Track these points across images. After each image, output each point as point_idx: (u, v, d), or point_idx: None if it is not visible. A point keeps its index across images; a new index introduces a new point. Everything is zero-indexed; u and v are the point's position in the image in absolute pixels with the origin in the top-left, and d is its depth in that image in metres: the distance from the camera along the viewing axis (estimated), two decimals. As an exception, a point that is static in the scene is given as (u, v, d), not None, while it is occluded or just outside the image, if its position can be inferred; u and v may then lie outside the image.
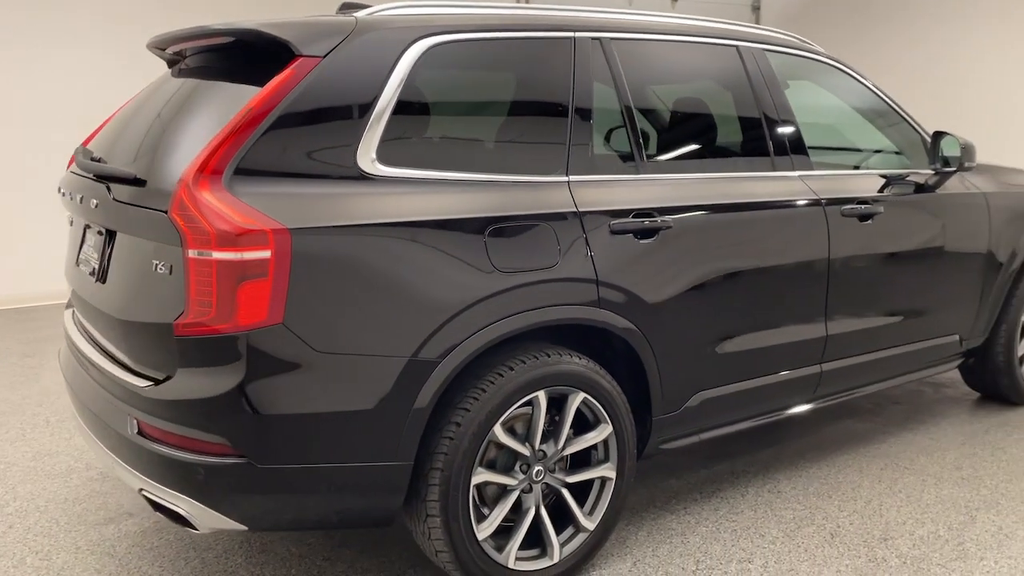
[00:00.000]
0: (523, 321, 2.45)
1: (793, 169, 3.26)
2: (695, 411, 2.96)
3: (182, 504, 2.24)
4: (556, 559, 2.64)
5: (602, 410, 2.67)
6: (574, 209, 2.57)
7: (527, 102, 2.75)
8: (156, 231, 2.21)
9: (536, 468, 2.59)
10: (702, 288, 2.86)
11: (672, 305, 2.79)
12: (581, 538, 2.70)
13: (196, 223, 2.11)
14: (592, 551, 2.75)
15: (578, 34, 2.80)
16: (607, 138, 2.94)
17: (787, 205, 3.17)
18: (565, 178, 2.62)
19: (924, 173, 3.77)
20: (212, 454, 2.19)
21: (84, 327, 2.78)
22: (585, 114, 2.70)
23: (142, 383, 2.28)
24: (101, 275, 2.54)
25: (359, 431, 2.25)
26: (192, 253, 2.11)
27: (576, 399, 2.62)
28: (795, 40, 3.58)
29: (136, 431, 2.29)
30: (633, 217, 2.70)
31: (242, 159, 2.14)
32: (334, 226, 2.17)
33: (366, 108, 2.31)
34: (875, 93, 3.78)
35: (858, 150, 4.01)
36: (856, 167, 3.87)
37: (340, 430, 2.23)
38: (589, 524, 2.70)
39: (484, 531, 2.49)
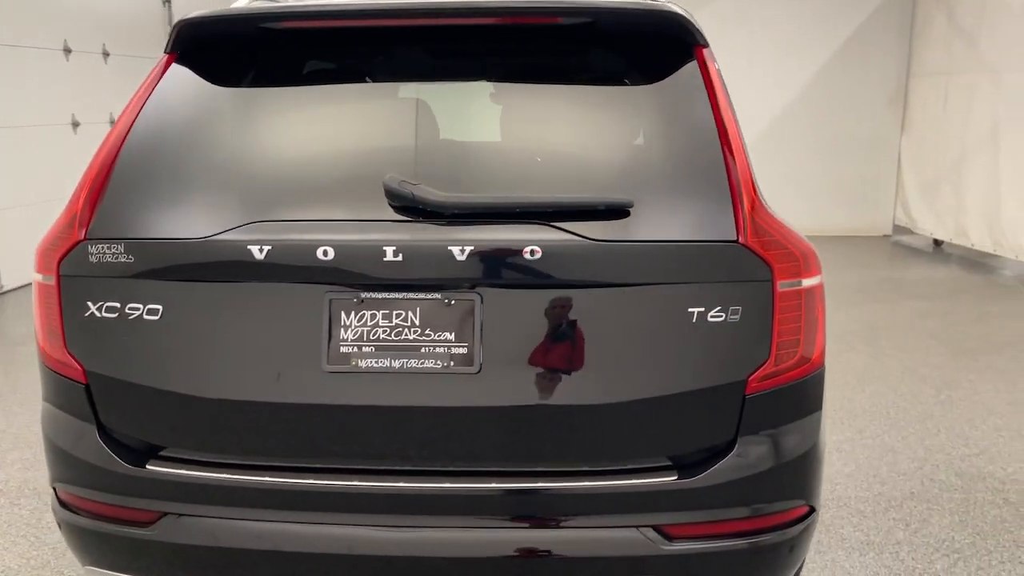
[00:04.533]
0: None
1: None
2: None
3: None
4: None
5: None
6: None
7: None
8: (705, 268, 1.84)
9: None
10: None
11: None
12: None
13: (783, 249, 1.87)
14: None
15: None
16: None
17: None
18: None
19: None
20: (788, 522, 1.97)
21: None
22: None
23: (658, 477, 1.90)
24: (467, 360, 1.86)
25: None
26: (781, 286, 1.87)
27: None
28: None
29: (660, 542, 1.88)
30: None
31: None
32: None
33: None
34: None
35: None
36: None
37: None
38: None
39: None
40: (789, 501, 1.94)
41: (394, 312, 1.86)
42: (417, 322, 1.86)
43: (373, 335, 1.86)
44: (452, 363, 1.85)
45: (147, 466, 1.98)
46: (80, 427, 2.03)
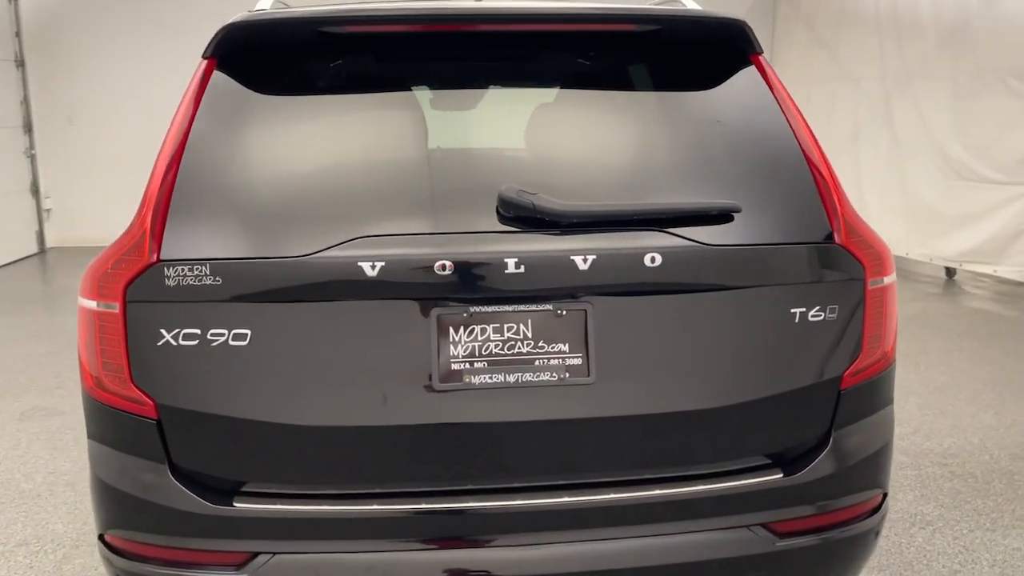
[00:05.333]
0: None
1: None
2: None
3: None
4: None
5: None
6: None
7: None
8: (806, 268, 1.91)
9: None
10: None
11: None
12: None
13: (871, 248, 1.96)
14: None
15: None
16: None
17: None
18: None
19: None
20: (867, 513, 2.03)
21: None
22: None
23: (765, 475, 1.93)
24: (583, 371, 1.84)
25: None
26: (872, 283, 1.95)
27: None
28: None
29: (770, 539, 1.91)
30: None
31: None
32: None
33: None
34: None
35: None
36: None
37: None
38: None
39: None
40: (873, 490, 2.04)
41: (505, 325, 1.82)
42: (530, 335, 1.82)
43: (485, 350, 1.81)
44: (567, 375, 1.82)
45: (235, 504, 1.84)
46: (147, 467, 1.86)
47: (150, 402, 1.82)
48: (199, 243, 1.79)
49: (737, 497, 1.90)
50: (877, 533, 2.06)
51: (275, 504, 1.84)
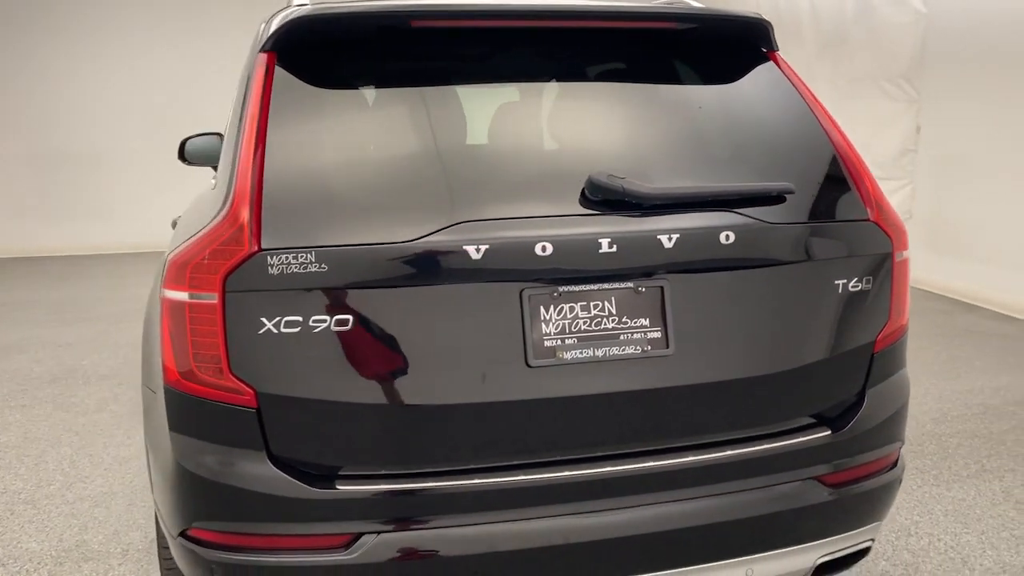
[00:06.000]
0: None
1: None
2: None
3: (867, 536, 2.24)
4: None
5: None
6: None
7: None
8: (847, 243, 2.11)
9: None
10: None
11: None
12: None
13: (895, 225, 2.17)
14: None
15: None
16: None
17: None
18: None
19: None
20: (893, 463, 2.27)
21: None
22: None
23: (816, 433, 2.11)
24: (663, 343, 1.97)
25: None
26: (897, 257, 2.16)
27: None
28: None
29: (822, 490, 2.11)
30: None
31: None
32: None
33: None
34: None
35: None
36: None
37: None
38: None
39: None
40: (896, 442, 2.28)
41: (591, 303, 1.94)
42: (614, 311, 1.95)
43: (574, 327, 1.92)
44: (649, 347, 1.96)
45: (338, 487, 1.87)
46: (245, 456, 1.86)
47: (249, 391, 1.83)
48: (300, 232, 1.82)
49: (794, 454, 2.09)
50: (900, 482, 2.30)
51: (378, 485, 1.88)
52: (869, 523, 2.24)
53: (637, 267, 1.94)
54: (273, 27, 2.06)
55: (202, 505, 1.92)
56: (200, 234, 1.86)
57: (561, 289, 1.92)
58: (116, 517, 3.48)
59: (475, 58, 2.21)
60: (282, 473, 1.86)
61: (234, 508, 1.89)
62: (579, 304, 1.93)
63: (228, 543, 1.90)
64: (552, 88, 2.27)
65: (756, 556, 2.08)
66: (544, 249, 1.87)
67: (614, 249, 1.90)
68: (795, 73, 2.32)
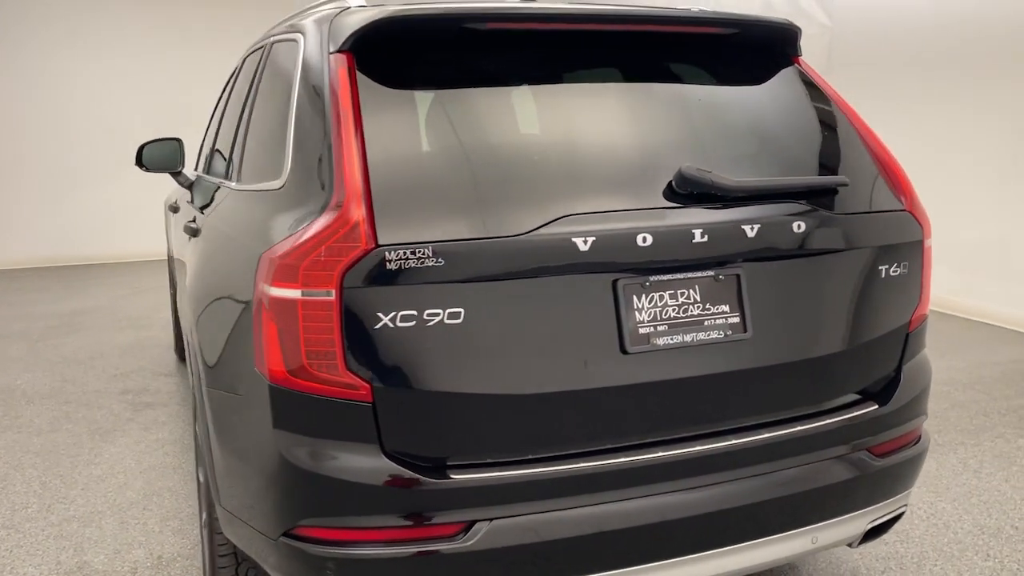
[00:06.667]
0: None
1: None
2: None
3: (903, 502, 2.44)
4: None
5: None
6: None
7: None
8: (888, 232, 2.30)
9: None
10: None
11: None
12: None
13: (924, 215, 2.39)
14: None
15: None
16: None
17: None
18: None
19: None
20: (920, 435, 2.48)
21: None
22: None
23: (867, 407, 2.30)
24: (741, 328, 2.10)
25: None
26: (927, 243, 2.37)
27: None
28: None
29: (872, 460, 2.30)
30: None
31: None
32: None
33: None
34: None
35: None
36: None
37: None
38: None
39: None
40: (923, 416, 2.49)
41: (678, 291, 2.05)
42: (698, 298, 2.06)
43: (664, 314, 2.03)
44: (730, 332, 2.08)
45: (451, 476, 1.91)
46: (360, 450, 1.88)
47: (365, 386, 1.85)
48: (412, 227, 1.85)
49: (851, 427, 2.25)
50: (927, 451, 2.51)
51: (489, 472, 1.93)
52: (905, 489, 2.43)
53: (720, 256, 2.07)
54: (350, 28, 2.08)
55: (313, 501, 1.92)
56: (306, 233, 1.86)
57: (651, 279, 2.02)
58: (111, 536, 3.34)
59: (547, 60, 2.28)
60: (397, 465, 1.88)
61: (347, 502, 1.90)
62: (667, 292, 2.04)
63: (341, 538, 1.91)
64: (623, 88, 2.36)
65: (820, 524, 2.23)
66: (644, 240, 1.97)
67: (705, 239, 2.02)
68: (820, 76, 2.51)
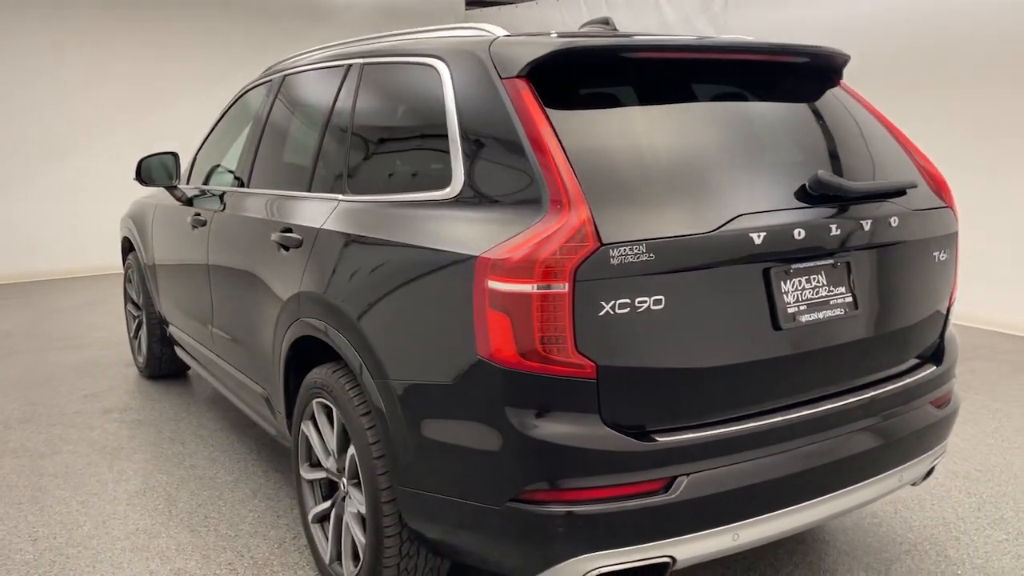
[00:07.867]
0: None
1: None
2: None
3: (944, 449, 2.92)
4: None
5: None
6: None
7: None
8: (939, 224, 2.80)
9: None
10: None
11: None
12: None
13: (955, 209, 2.92)
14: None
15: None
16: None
17: None
18: None
19: None
20: (952, 394, 3.00)
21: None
22: None
23: (930, 368, 2.83)
24: (854, 306, 2.55)
25: None
26: (958, 234, 2.90)
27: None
28: None
29: (934, 411, 2.81)
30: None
31: None
32: None
33: None
34: None
35: None
36: None
37: None
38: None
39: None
40: (955, 378, 3.05)
41: (811, 276, 2.48)
42: (825, 282, 2.50)
43: (803, 296, 2.45)
44: (848, 309, 2.54)
45: (657, 439, 2.24)
46: (584, 420, 2.18)
47: (591, 365, 2.15)
48: (625, 227, 2.17)
49: (922, 384, 2.77)
50: (960, 404, 3.07)
51: (686, 434, 2.28)
52: (948, 437, 2.98)
53: (841, 247, 2.52)
54: (525, 58, 2.38)
55: (542, 467, 2.20)
56: (537, 237, 2.14)
57: (793, 266, 2.44)
58: (189, 543, 3.41)
59: (684, 83, 2.69)
60: (615, 432, 2.20)
61: (573, 466, 2.19)
62: (803, 278, 2.46)
63: (568, 498, 2.20)
64: (752, 106, 2.80)
65: (904, 465, 2.72)
66: (799, 234, 2.38)
67: (839, 232, 2.47)
68: (862, 96, 3.03)
